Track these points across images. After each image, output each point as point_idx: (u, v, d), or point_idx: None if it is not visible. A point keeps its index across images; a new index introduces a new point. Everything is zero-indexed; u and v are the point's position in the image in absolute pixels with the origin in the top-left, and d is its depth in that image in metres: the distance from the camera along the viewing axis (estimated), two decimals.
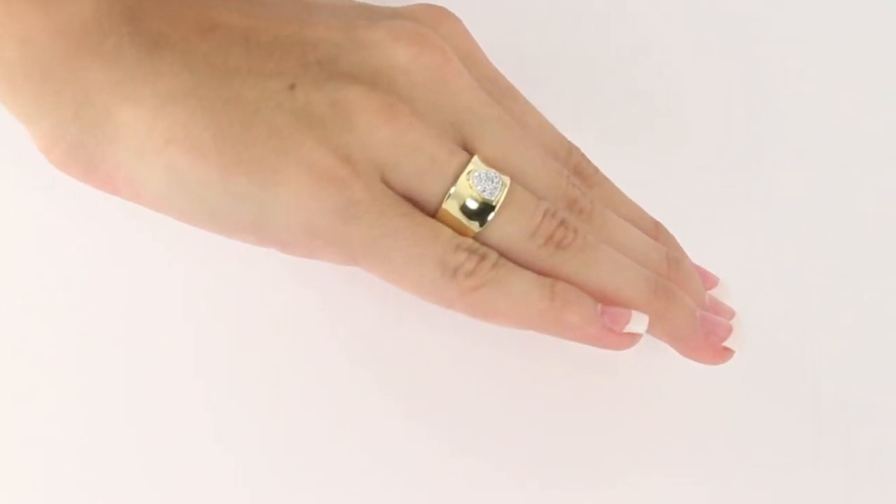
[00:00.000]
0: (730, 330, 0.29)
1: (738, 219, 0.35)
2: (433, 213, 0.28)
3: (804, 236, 0.35)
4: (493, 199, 0.27)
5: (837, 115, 0.38)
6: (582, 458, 0.31)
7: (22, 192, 0.32)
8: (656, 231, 0.31)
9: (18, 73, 0.26)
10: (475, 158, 0.28)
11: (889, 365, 0.34)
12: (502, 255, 0.28)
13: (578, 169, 0.31)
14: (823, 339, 0.34)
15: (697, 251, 0.32)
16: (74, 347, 0.30)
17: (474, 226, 0.27)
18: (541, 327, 0.28)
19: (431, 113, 0.28)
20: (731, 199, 0.36)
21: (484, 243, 0.28)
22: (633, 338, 0.28)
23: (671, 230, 0.32)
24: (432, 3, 0.31)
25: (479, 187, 0.27)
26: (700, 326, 0.29)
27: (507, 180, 0.28)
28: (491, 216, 0.27)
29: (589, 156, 0.31)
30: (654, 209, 0.32)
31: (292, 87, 0.27)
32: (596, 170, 0.31)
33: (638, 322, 0.28)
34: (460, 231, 0.27)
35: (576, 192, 0.29)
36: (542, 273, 0.28)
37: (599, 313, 0.28)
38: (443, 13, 0.30)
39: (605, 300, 0.28)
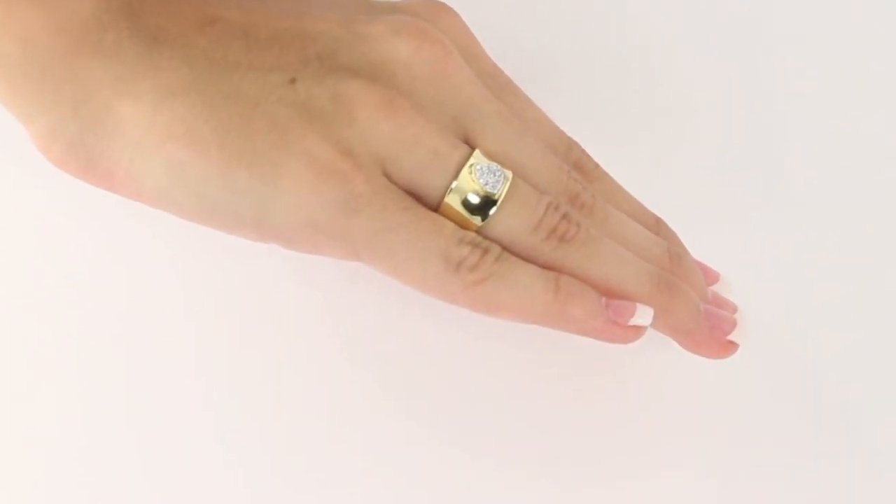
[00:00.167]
0: (734, 324, 0.29)
1: (739, 216, 0.35)
2: (435, 207, 0.27)
3: (805, 233, 0.35)
4: (495, 192, 0.27)
5: (838, 114, 0.38)
6: (584, 457, 0.31)
7: (20, 191, 0.32)
8: (657, 227, 0.31)
9: (18, 71, 0.26)
10: (476, 152, 0.28)
11: (892, 361, 0.34)
12: (505, 249, 0.28)
13: (579, 164, 0.31)
14: (825, 336, 0.34)
15: (698, 249, 0.32)
16: (74, 346, 0.30)
17: (476, 220, 0.27)
18: (545, 321, 0.28)
19: (432, 107, 0.28)
20: (731, 197, 0.36)
21: (486, 237, 0.28)
22: (638, 331, 0.28)
23: (671, 228, 0.32)
24: None
25: (481, 180, 0.27)
26: (704, 320, 0.29)
27: (510, 174, 0.28)
28: (493, 210, 0.27)
29: (588, 153, 0.31)
30: (655, 207, 0.32)
31: (292, 81, 0.27)
32: (596, 165, 0.31)
33: (643, 315, 0.28)
34: (462, 226, 0.27)
35: (577, 187, 0.29)
36: (544, 267, 0.28)
37: (604, 306, 0.28)
38: (441, 8, 0.30)
39: (609, 294, 0.28)
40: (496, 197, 0.27)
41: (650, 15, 0.38)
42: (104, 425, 0.29)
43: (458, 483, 0.30)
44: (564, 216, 0.28)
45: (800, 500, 0.31)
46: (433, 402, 0.31)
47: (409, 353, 0.31)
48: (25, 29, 0.26)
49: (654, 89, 0.37)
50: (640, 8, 0.38)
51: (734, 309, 0.31)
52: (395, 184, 0.27)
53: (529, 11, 0.37)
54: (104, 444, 0.29)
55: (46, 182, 0.29)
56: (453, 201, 0.27)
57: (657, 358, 0.32)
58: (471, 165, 0.27)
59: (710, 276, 0.32)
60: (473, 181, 0.27)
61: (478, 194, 0.27)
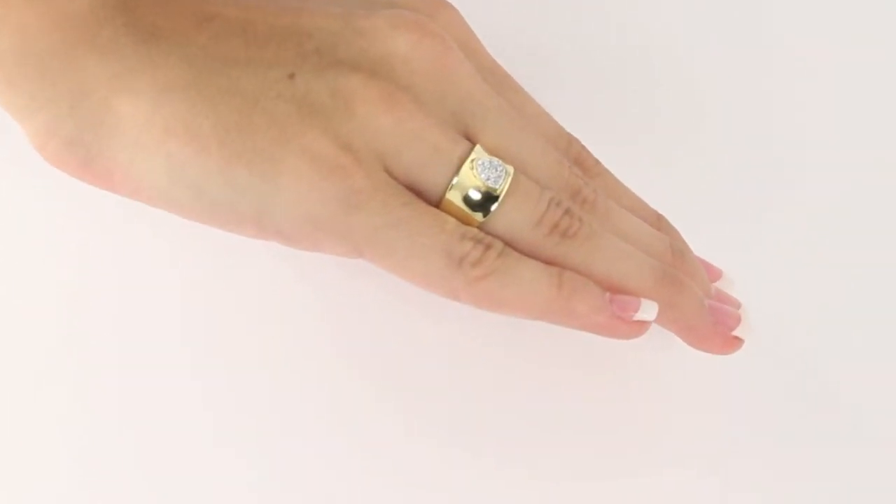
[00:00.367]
0: (738, 319, 0.29)
1: (741, 214, 0.35)
2: (436, 203, 0.27)
3: (808, 230, 0.35)
4: (497, 187, 0.27)
5: (841, 112, 0.38)
6: (586, 455, 0.31)
7: (18, 191, 0.32)
8: (658, 223, 0.31)
9: (13, 67, 0.26)
10: (477, 147, 0.27)
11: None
12: (507, 245, 0.27)
13: (579, 160, 0.31)
14: (829, 333, 0.34)
15: (699, 246, 0.32)
16: (72, 345, 0.30)
17: (478, 216, 0.27)
18: (548, 317, 0.27)
19: (432, 102, 0.28)
20: (733, 194, 0.36)
21: (489, 233, 0.27)
22: (642, 326, 0.28)
23: (673, 224, 0.32)
24: None
25: (483, 176, 0.27)
26: (708, 315, 0.29)
27: (511, 169, 0.27)
28: (495, 206, 0.27)
29: (588, 149, 0.31)
30: (656, 204, 0.32)
31: (291, 76, 0.27)
32: (596, 161, 0.31)
33: (647, 309, 0.28)
34: (464, 222, 0.27)
35: (578, 182, 0.29)
36: (547, 263, 0.28)
37: (608, 301, 0.27)
38: (440, 3, 0.30)
39: (612, 289, 0.28)
40: (498, 192, 0.27)
41: (651, 12, 0.39)
42: (102, 425, 0.29)
43: (458, 481, 0.30)
44: (567, 211, 0.28)
45: (802, 500, 0.31)
46: (434, 400, 0.31)
47: (410, 351, 0.31)
48: (20, 24, 0.25)
49: (655, 86, 0.37)
50: (641, 4, 0.38)
51: (738, 305, 0.31)
52: (396, 179, 0.27)
53: (527, 7, 0.37)
54: (103, 443, 0.29)
55: (44, 182, 0.29)
56: (454, 197, 0.27)
57: (661, 354, 0.32)
58: (472, 161, 0.27)
59: (713, 273, 0.32)
60: (475, 176, 0.27)
61: (479, 190, 0.27)
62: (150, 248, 0.31)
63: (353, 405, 0.30)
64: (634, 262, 0.28)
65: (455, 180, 0.27)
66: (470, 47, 0.30)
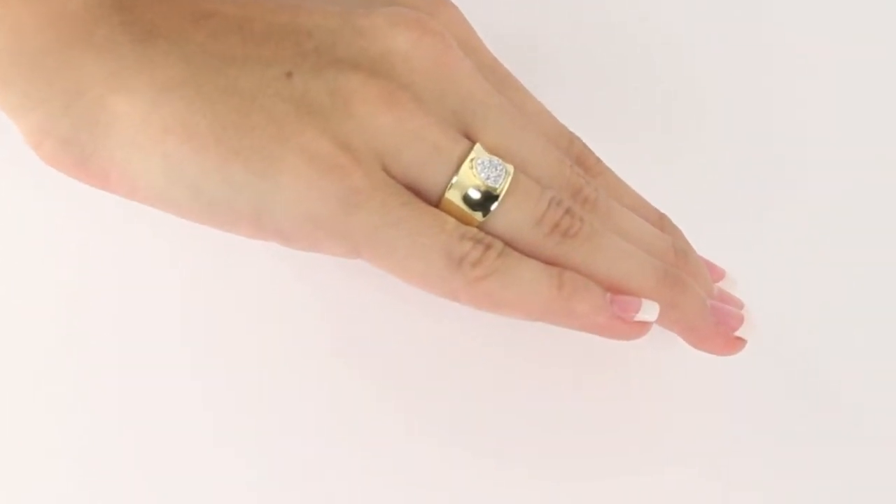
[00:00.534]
0: (741, 319, 0.29)
1: (744, 213, 0.35)
2: (435, 202, 0.27)
3: (811, 230, 0.35)
4: (496, 186, 0.27)
5: (843, 110, 0.38)
6: (587, 455, 0.31)
7: (15, 190, 0.31)
8: (661, 222, 0.31)
9: (7, 65, 0.26)
10: (477, 146, 0.27)
11: None
12: (507, 244, 0.27)
13: (580, 159, 0.30)
14: (832, 334, 0.33)
15: (702, 246, 0.31)
16: (70, 345, 0.30)
17: (478, 216, 0.27)
18: (548, 317, 0.27)
19: (432, 100, 0.27)
20: (736, 194, 0.36)
21: (488, 233, 0.27)
22: (644, 327, 0.28)
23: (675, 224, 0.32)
24: None
25: (482, 175, 0.27)
26: (711, 315, 0.29)
27: (511, 168, 0.27)
28: (495, 205, 0.27)
29: (590, 148, 0.31)
30: (658, 204, 0.32)
31: (290, 74, 0.26)
32: (598, 160, 0.31)
33: (648, 310, 0.27)
34: (463, 221, 0.27)
35: (580, 181, 0.29)
36: (547, 263, 0.27)
37: (608, 302, 0.27)
38: (440, 0, 0.30)
39: (613, 289, 0.28)
40: (498, 192, 0.27)
41: (651, 9, 0.38)
42: (100, 425, 0.29)
43: (458, 481, 0.30)
44: (567, 211, 0.27)
45: (803, 499, 0.31)
46: (433, 400, 0.31)
47: (409, 350, 0.31)
48: (16, 22, 0.25)
49: (656, 84, 0.37)
50: (642, 2, 0.38)
51: (741, 305, 0.30)
52: (395, 179, 0.27)
53: (528, 4, 0.37)
54: (103, 443, 0.29)
55: (43, 181, 0.29)
56: (454, 196, 0.27)
57: (662, 353, 0.32)
58: (472, 160, 0.27)
59: (716, 273, 0.32)
60: (474, 176, 0.27)
61: (479, 189, 0.27)
62: (149, 249, 0.31)
63: (353, 405, 0.30)
64: (636, 262, 0.28)
65: (454, 179, 0.27)
66: (470, 45, 0.30)
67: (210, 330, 0.31)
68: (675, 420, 0.32)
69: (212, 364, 0.30)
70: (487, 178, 0.27)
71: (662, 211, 0.32)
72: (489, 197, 0.27)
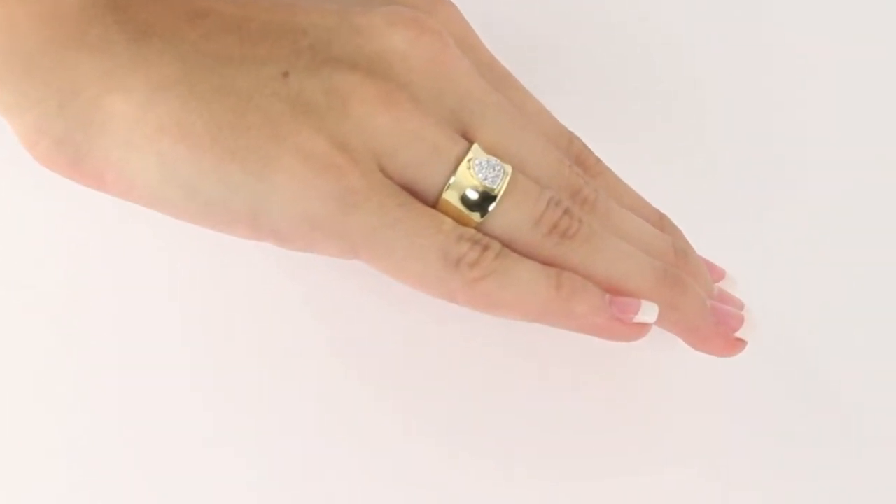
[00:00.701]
0: (742, 320, 0.29)
1: (745, 213, 0.35)
2: (433, 203, 0.27)
3: (812, 230, 0.35)
4: (494, 187, 0.27)
5: (844, 109, 0.37)
6: (586, 457, 0.31)
7: (13, 190, 0.31)
8: (661, 223, 0.31)
9: (1, 65, 0.25)
10: (475, 146, 0.27)
11: None
12: (505, 245, 0.27)
13: (580, 158, 0.30)
14: (833, 334, 0.33)
15: (702, 246, 0.31)
16: (67, 345, 0.30)
17: (475, 216, 0.27)
18: (547, 319, 0.27)
19: (430, 100, 0.27)
20: (737, 194, 0.35)
21: (486, 233, 0.27)
22: (643, 328, 0.27)
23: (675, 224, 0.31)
24: None
25: (480, 175, 0.27)
26: (711, 316, 0.28)
27: (509, 168, 0.27)
28: (493, 206, 0.27)
29: (589, 147, 0.31)
30: (658, 204, 0.31)
31: (286, 74, 0.26)
32: (597, 160, 0.31)
33: (648, 311, 0.27)
34: (461, 222, 0.27)
35: (579, 181, 0.29)
36: (546, 264, 0.27)
37: (607, 303, 0.27)
38: None
39: (613, 290, 0.27)
40: (495, 192, 0.27)
41: (652, 9, 0.38)
42: (97, 425, 0.29)
43: (458, 482, 0.30)
44: (566, 211, 0.27)
45: (805, 499, 0.31)
46: (432, 401, 0.31)
47: (406, 352, 0.31)
48: (9, 21, 0.25)
49: (656, 84, 0.37)
50: (642, 2, 0.38)
51: (741, 306, 0.30)
52: (392, 179, 0.27)
53: (528, 2, 0.37)
54: (99, 443, 0.29)
55: (39, 182, 0.29)
56: (451, 197, 0.27)
57: (662, 356, 0.31)
58: (469, 160, 0.27)
59: (716, 274, 0.31)
60: (472, 176, 0.26)
61: (477, 189, 0.27)
62: (145, 250, 0.31)
63: (351, 405, 0.30)
64: (635, 263, 0.28)
65: (452, 180, 0.27)
66: (468, 44, 0.30)
67: (207, 331, 0.30)
68: (674, 420, 0.31)
69: (209, 364, 0.30)
70: (485, 179, 0.27)
71: (662, 211, 0.31)
72: (487, 197, 0.27)
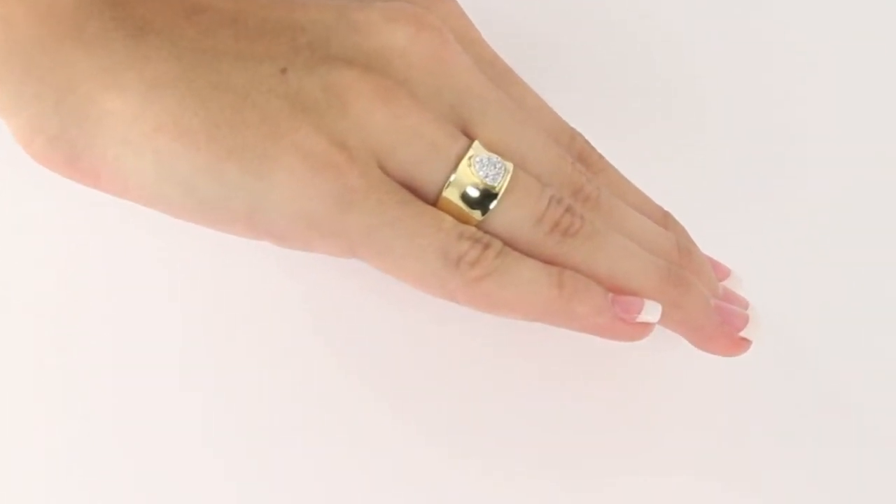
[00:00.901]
0: (746, 319, 0.29)
1: (750, 211, 0.35)
2: (433, 201, 0.27)
3: (818, 228, 0.35)
4: (495, 184, 0.26)
5: (848, 105, 0.37)
6: (587, 458, 0.30)
7: (9, 189, 0.31)
8: (665, 220, 0.31)
9: None
10: (476, 143, 0.27)
11: None
12: (506, 244, 0.27)
13: (582, 155, 0.30)
14: (839, 334, 0.33)
15: (707, 244, 0.31)
16: (61, 346, 0.30)
17: (476, 214, 0.27)
18: (548, 318, 0.27)
19: (430, 96, 0.27)
20: (742, 191, 0.35)
21: (487, 232, 0.27)
22: (646, 328, 0.27)
23: (679, 221, 0.31)
24: None
25: (481, 173, 0.26)
26: (715, 315, 0.28)
27: (510, 166, 0.27)
28: (494, 203, 0.26)
29: (592, 144, 0.31)
30: (661, 201, 0.31)
31: (284, 71, 0.26)
32: (600, 156, 0.30)
33: (651, 311, 0.27)
34: (462, 220, 0.27)
35: (581, 179, 0.28)
36: (547, 262, 0.27)
37: (610, 302, 0.27)
38: None
39: (615, 289, 0.27)
40: (496, 190, 0.26)
41: (653, 5, 0.38)
42: (93, 425, 0.29)
43: (457, 483, 0.30)
44: (568, 209, 0.27)
45: (806, 500, 0.31)
46: (431, 401, 0.30)
47: (405, 352, 0.31)
48: (5, 18, 0.25)
49: (659, 79, 0.37)
50: None
51: (746, 305, 0.30)
52: (392, 177, 0.26)
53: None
54: (97, 444, 0.29)
55: (34, 180, 0.29)
56: (452, 195, 0.26)
57: (665, 356, 0.31)
58: (470, 157, 0.26)
59: (721, 272, 0.31)
60: (473, 174, 0.26)
61: (477, 187, 0.26)
62: (142, 248, 0.31)
63: (349, 406, 0.30)
64: (638, 261, 0.27)
65: (452, 177, 0.26)
66: (469, 39, 0.29)
67: (206, 330, 0.30)
68: (677, 420, 0.31)
69: (208, 364, 0.30)
70: (486, 177, 0.26)
71: (666, 208, 0.31)
72: (488, 195, 0.26)
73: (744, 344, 0.29)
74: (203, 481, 0.29)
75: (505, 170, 0.27)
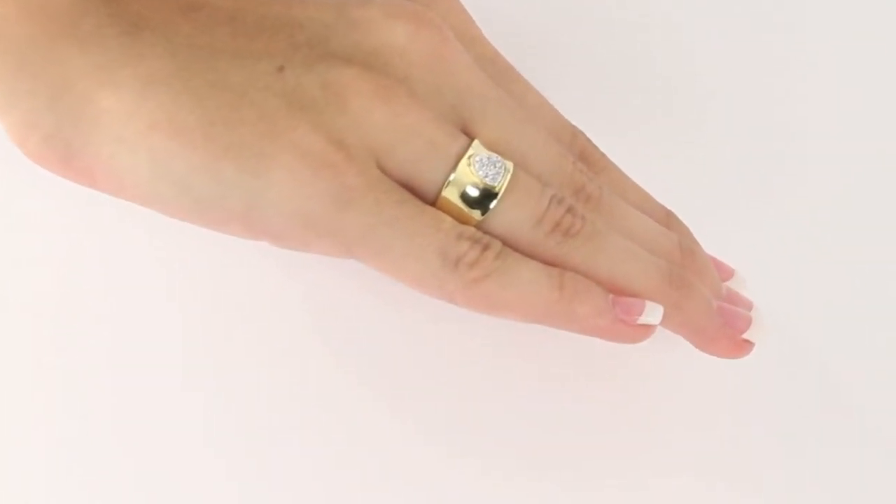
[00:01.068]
0: (749, 321, 0.29)
1: (754, 210, 0.35)
2: (432, 201, 0.26)
3: (823, 227, 0.35)
4: (495, 184, 0.26)
5: (851, 103, 0.37)
6: (586, 460, 0.30)
7: (5, 188, 0.31)
8: (667, 220, 0.30)
9: None
10: (476, 142, 0.26)
11: None
12: (506, 244, 0.26)
13: (584, 154, 0.30)
14: (844, 336, 0.33)
15: (710, 243, 0.31)
16: (57, 346, 0.30)
17: (476, 214, 0.26)
18: (548, 320, 0.27)
19: (429, 95, 0.27)
20: (746, 190, 0.35)
21: (487, 232, 0.26)
22: (647, 330, 0.27)
23: (682, 221, 0.31)
24: None
25: (480, 172, 0.26)
26: (717, 317, 0.28)
27: (510, 165, 0.26)
28: (494, 203, 0.26)
29: (594, 142, 0.30)
30: (664, 200, 0.31)
31: (281, 68, 0.26)
32: (602, 155, 0.30)
33: (652, 312, 0.27)
34: (461, 220, 0.26)
35: (582, 178, 0.28)
36: (548, 263, 0.27)
37: (611, 304, 0.26)
38: None
39: (616, 290, 0.27)
40: (496, 189, 0.26)
41: (654, 2, 0.38)
42: (91, 426, 0.29)
43: (456, 484, 0.29)
44: (569, 209, 0.27)
45: (808, 501, 0.30)
46: (432, 402, 0.30)
47: (404, 353, 0.31)
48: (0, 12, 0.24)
49: (660, 77, 0.37)
50: None
51: (750, 306, 0.30)
52: (390, 176, 0.26)
53: None
54: (92, 444, 0.29)
55: (30, 179, 0.28)
56: (451, 194, 0.26)
57: (667, 356, 0.31)
58: (469, 157, 0.26)
59: (724, 272, 0.31)
60: (472, 173, 0.26)
61: (477, 187, 0.26)
62: (142, 247, 0.31)
63: (349, 405, 0.30)
64: (639, 263, 0.27)
65: (452, 177, 0.26)
66: (469, 36, 0.29)
67: (204, 330, 0.30)
68: (678, 422, 0.31)
69: (206, 364, 0.30)
70: (486, 176, 0.26)
71: (668, 207, 0.31)
72: (488, 195, 0.26)
73: (746, 346, 0.28)
74: (200, 481, 0.29)
75: (505, 169, 0.26)
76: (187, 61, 0.25)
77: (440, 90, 0.27)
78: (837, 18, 0.39)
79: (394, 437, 0.30)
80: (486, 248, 0.26)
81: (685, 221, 0.31)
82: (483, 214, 0.26)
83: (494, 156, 0.26)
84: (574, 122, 0.30)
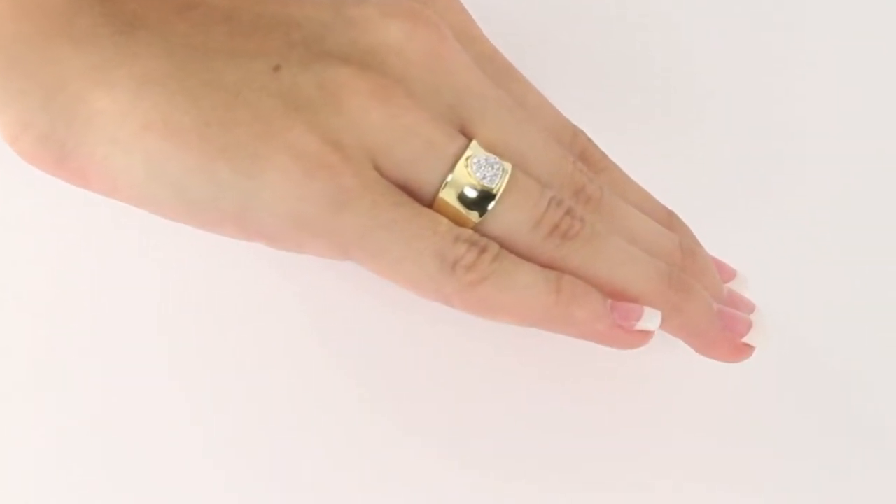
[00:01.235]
0: (750, 325, 0.28)
1: (756, 210, 0.34)
2: (429, 202, 0.26)
3: (826, 227, 0.34)
4: (493, 186, 0.26)
5: (852, 101, 0.37)
6: (586, 462, 0.30)
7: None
8: (669, 220, 0.30)
9: None
10: (473, 143, 0.26)
11: None
12: (504, 247, 0.26)
13: (584, 154, 0.29)
14: (847, 338, 0.33)
15: (712, 244, 0.31)
16: (54, 346, 0.29)
17: (473, 216, 0.26)
18: (546, 324, 0.26)
19: (426, 95, 0.26)
20: (748, 190, 0.35)
21: (484, 234, 0.26)
22: (645, 335, 0.27)
23: (684, 221, 0.31)
24: None
25: (478, 174, 0.26)
26: (717, 320, 0.28)
27: (509, 166, 0.26)
28: (492, 205, 0.26)
29: (594, 142, 0.30)
30: (665, 200, 0.31)
31: (277, 68, 0.25)
32: (603, 154, 0.30)
33: (650, 318, 0.26)
34: (459, 222, 0.26)
35: (582, 179, 0.28)
36: (546, 266, 0.26)
37: (609, 309, 0.26)
38: None
39: (615, 294, 0.27)
40: (494, 191, 0.26)
41: (653, 2, 0.38)
42: (87, 427, 0.29)
43: (455, 485, 0.29)
44: (568, 211, 0.26)
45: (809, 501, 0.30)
46: (430, 404, 0.30)
47: (400, 356, 0.30)
48: None
49: (663, 76, 0.36)
50: None
51: (752, 308, 0.30)
52: (387, 177, 0.26)
53: None
54: (87, 444, 0.29)
55: (26, 179, 0.28)
56: (448, 196, 0.26)
57: (667, 356, 0.31)
58: (467, 158, 0.26)
59: (726, 273, 0.31)
60: (470, 175, 0.26)
61: (475, 188, 0.26)
62: (136, 248, 0.31)
63: (345, 407, 0.30)
64: (638, 265, 0.27)
65: (449, 178, 0.26)
66: (468, 34, 0.29)
67: (199, 332, 0.30)
68: (678, 424, 0.31)
69: (202, 365, 0.30)
70: (483, 178, 0.26)
71: (671, 208, 0.31)
72: (485, 196, 0.26)
73: (746, 350, 0.28)
74: (195, 481, 0.29)
75: (503, 170, 0.26)
76: (183, 61, 0.25)
77: (438, 90, 0.26)
78: (837, 18, 0.39)
79: (391, 439, 0.30)
80: (483, 250, 0.26)
81: (684, 221, 0.31)
82: (481, 216, 0.26)
83: (492, 157, 0.26)
84: (574, 122, 0.30)
